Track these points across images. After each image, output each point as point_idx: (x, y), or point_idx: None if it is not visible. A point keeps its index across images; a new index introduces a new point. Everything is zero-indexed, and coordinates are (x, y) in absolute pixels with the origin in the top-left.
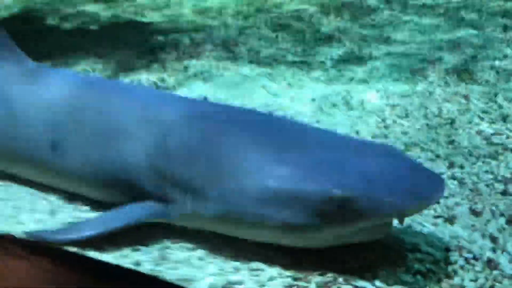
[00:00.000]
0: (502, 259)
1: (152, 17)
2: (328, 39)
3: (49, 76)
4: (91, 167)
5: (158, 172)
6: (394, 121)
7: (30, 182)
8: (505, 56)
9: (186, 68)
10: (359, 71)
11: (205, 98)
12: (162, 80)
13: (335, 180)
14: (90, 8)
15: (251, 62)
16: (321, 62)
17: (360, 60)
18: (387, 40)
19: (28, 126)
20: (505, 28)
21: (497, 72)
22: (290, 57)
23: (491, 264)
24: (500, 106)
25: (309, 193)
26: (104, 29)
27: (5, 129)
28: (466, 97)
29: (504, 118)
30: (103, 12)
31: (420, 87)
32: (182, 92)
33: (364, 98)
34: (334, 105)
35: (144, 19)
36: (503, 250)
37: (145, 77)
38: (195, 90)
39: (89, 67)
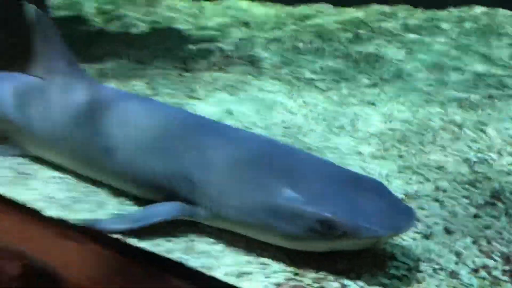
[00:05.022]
0: (463, 271)
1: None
2: None
3: (104, 93)
4: (136, 172)
5: (192, 183)
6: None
7: (83, 177)
8: None
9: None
10: (369, 93)
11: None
12: (192, 90)
13: (326, 206)
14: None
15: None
16: None
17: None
18: None
19: (86, 133)
20: None
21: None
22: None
23: (453, 274)
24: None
25: (305, 213)
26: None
27: (68, 133)
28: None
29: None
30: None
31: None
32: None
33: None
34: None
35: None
36: (464, 264)
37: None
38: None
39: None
